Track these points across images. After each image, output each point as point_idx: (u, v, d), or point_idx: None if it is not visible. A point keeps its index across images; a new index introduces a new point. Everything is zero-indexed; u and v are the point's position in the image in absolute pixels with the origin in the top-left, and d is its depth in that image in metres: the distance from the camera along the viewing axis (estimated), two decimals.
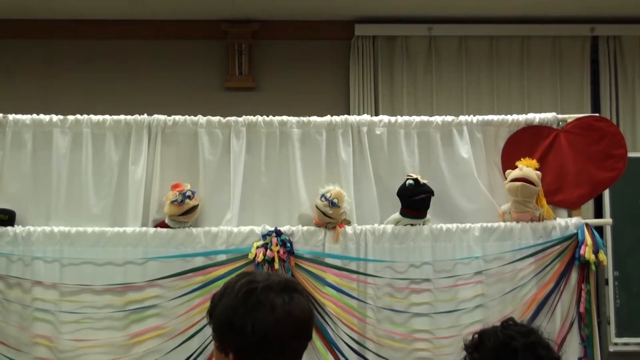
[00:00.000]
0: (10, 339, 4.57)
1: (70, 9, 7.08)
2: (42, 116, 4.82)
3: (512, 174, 4.85)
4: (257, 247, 4.61)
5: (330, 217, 4.70)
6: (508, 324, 2.90)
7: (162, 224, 4.76)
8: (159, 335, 4.60)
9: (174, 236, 4.69)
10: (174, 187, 4.68)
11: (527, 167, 4.83)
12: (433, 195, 4.80)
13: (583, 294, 4.79)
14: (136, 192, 4.79)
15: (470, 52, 7.46)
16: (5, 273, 4.59)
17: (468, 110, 7.11)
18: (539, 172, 4.84)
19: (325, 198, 4.68)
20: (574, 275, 4.83)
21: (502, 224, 4.87)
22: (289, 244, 4.63)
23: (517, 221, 4.88)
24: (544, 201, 4.92)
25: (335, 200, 4.66)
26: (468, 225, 4.84)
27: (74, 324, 4.58)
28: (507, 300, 4.78)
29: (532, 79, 7.45)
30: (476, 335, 2.92)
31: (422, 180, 4.78)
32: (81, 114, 4.85)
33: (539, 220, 4.90)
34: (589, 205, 6.35)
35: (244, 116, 4.91)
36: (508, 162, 4.96)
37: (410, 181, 4.76)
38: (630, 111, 7.41)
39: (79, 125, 4.82)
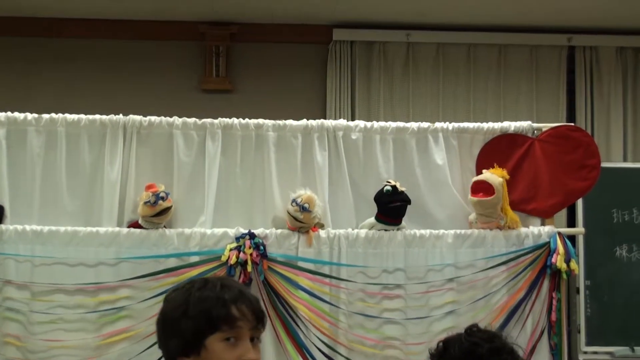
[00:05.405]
0: None
1: (49, 8, 7.04)
2: (16, 114, 4.81)
3: (472, 181, 4.88)
4: (230, 250, 4.60)
5: (301, 222, 4.70)
6: (472, 330, 2.89)
7: (136, 225, 4.74)
8: (129, 337, 4.59)
9: (147, 237, 4.68)
10: (148, 187, 4.67)
11: (490, 173, 4.85)
12: (410, 203, 4.80)
13: (554, 302, 4.81)
14: (111, 193, 4.78)
15: (448, 59, 7.45)
16: None
17: (444, 117, 7.10)
18: (502, 180, 4.85)
19: (296, 203, 4.67)
20: (545, 284, 4.85)
21: (476, 230, 4.89)
22: (262, 247, 4.62)
23: None
24: (509, 209, 4.92)
25: (306, 205, 4.65)
26: (441, 231, 4.85)
27: (45, 324, 4.56)
28: (479, 308, 4.79)
29: (509, 87, 7.44)
30: (441, 344, 2.92)
31: (400, 188, 4.78)
32: (57, 113, 4.84)
33: (503, 229, 4.91)
34: (562, 214, 6.36)
35: (219, 118, 4.92)
36: (482, 169, 4.97)
37: (388, 187, 4.76)
38: (605, 121, 7.42)
39: (53, 124, 4.80)
